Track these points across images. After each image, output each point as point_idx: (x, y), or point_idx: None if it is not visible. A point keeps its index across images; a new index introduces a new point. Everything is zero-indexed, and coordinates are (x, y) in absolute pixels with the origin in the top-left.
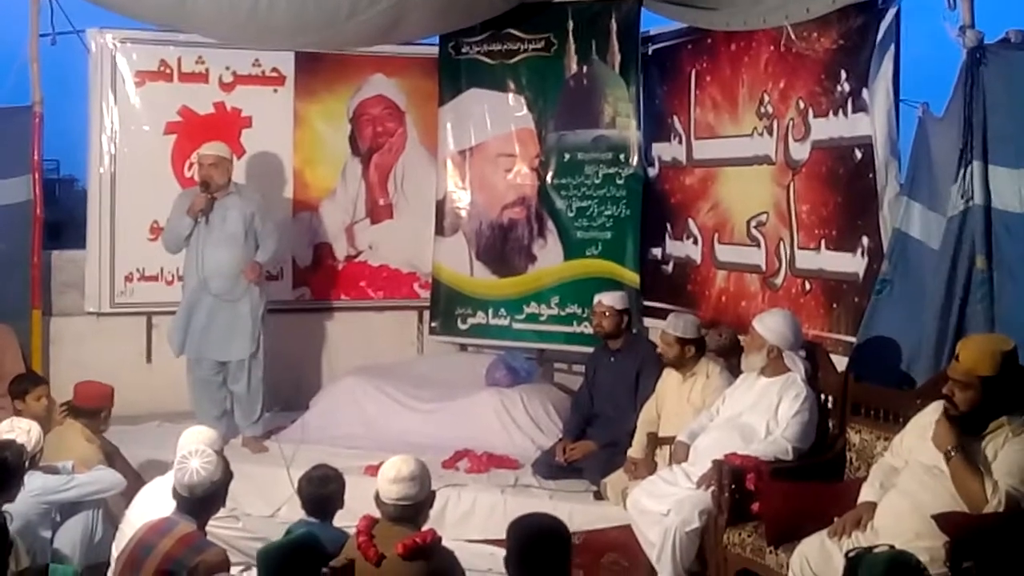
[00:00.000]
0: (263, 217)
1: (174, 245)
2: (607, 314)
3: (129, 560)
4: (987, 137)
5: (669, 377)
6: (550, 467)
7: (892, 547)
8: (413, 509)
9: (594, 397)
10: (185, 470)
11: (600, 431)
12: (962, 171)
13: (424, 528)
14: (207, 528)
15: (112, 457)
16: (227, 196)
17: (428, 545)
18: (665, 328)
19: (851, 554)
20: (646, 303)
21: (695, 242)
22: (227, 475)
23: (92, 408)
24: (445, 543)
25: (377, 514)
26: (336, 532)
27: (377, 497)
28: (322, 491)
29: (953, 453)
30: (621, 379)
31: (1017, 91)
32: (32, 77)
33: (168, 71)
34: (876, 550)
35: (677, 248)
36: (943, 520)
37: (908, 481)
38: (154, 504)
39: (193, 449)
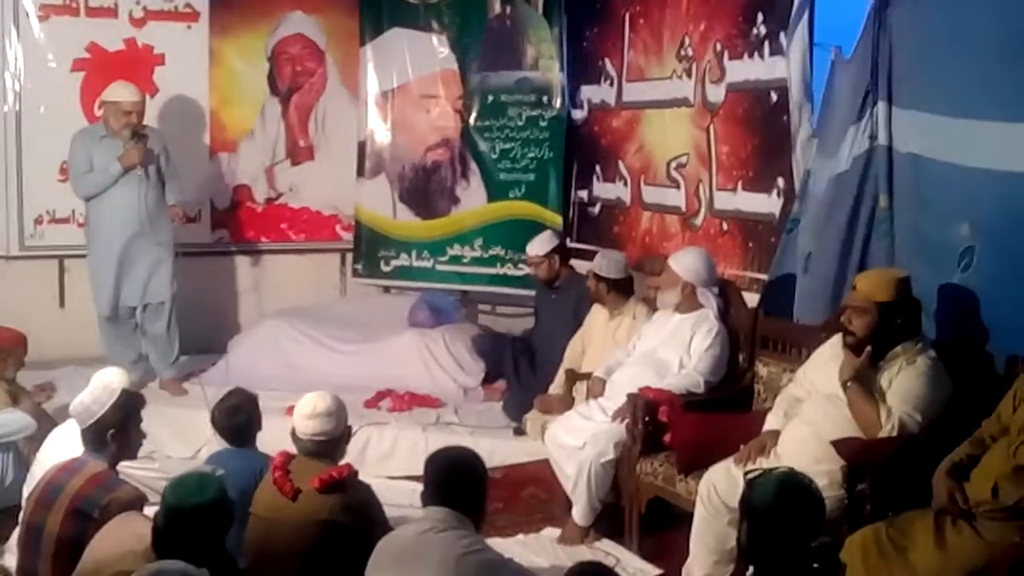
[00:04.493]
0: (167, 157)
1: (94, 192)
2: (538, 263)
3: (39, 500)
4: (892, 78)
5: (598, 314)
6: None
7: (789, 469)
8: (329, 444)
9: (539, 335)
10: (78, 405)
11: (542, 369)
12: (868, 111)
13: (349, 464)
14: (124, 470)
15: (19, 398)
16: (135, 139)
17: (344, 479)
18: (591, 266)
19: (749, 476)
20: (574, 245)
21: (625, 184)
22: (127, 410)
23: None
24: (367, 480)
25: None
26: (258, 458)
27: (293, 433)
28: (236, 419)
29: (851, 383)
30: (560, 316)
31: (921, 32)
32: None
33: (75, 5)
34: (772, 472)
35: (607, 190)
36: (840, 445)
37: (810, 410)
38: (65, 446)
39: (92, 386)
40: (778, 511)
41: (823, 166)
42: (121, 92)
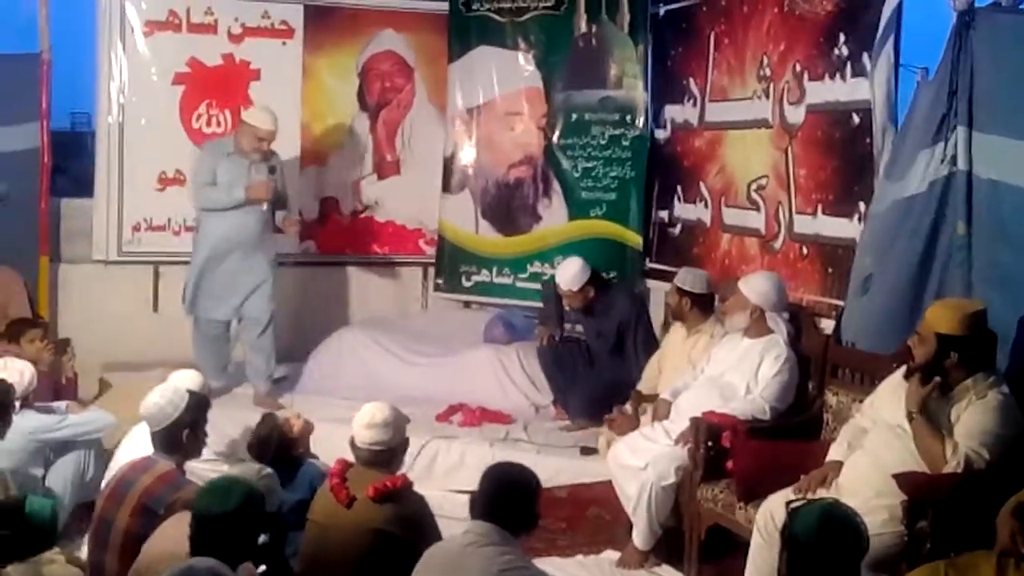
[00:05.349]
0: (283, 181)
1: (213, 208)
2: (572, 296)
3: (111, 495)
4: (972, 102)
5: (675, 333)
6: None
7: (834, 500)
8: (386, 454)
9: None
10: (147, 406)
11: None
12: (944, 135)
13: (405, 475)
14: (194, 470)
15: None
16: (260, 162)
17: (398, 489)
18: (675, 281)
19: (792, 505)
20: (653, 266)
21: (705, 205)
22: (193, 413)
23: None
24: (434, 493)
25: None
26: (312, 470)
27: (352, 442)
28: (267, 452)
29: (916, 414)
30: (604, 333)
31: (1004, 55)
32: (40, 24)
33: (177, 21)
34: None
35: (687, 211)
36: (902, 479)
37: (873, 441)
38: (143, 445)
39: (161, 387)
40: (819, 542)
41: (888, 188)
42: (261, 118)
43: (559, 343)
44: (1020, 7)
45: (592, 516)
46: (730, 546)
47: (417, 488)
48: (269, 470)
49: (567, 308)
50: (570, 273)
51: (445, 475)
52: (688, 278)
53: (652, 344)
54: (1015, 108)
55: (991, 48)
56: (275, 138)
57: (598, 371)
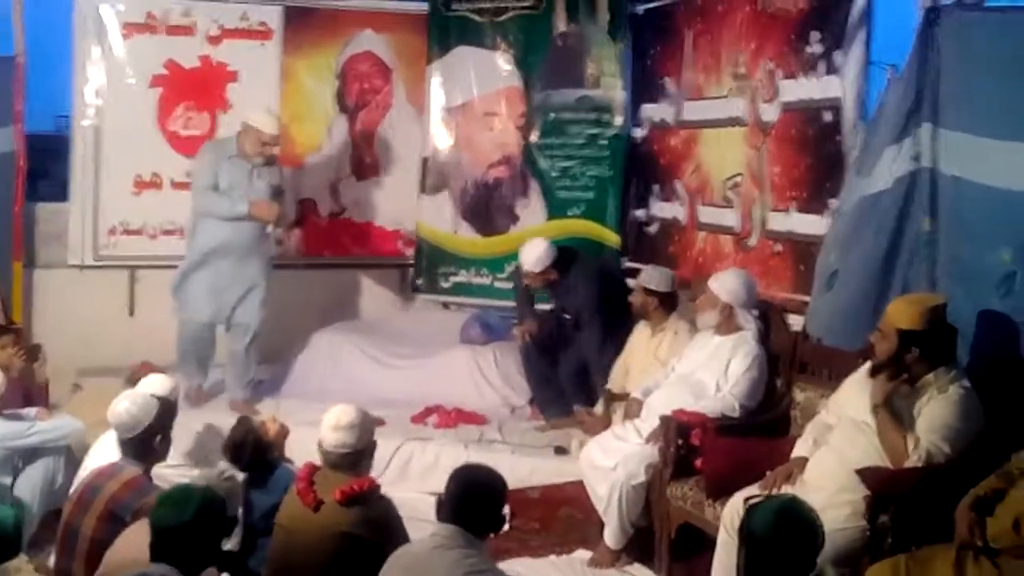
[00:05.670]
0: (282, 188)
1: (213, 215)
2: (534, 277)
3: (78, 502)
4: (938, 99)
5: (640, 332)
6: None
7: (791, 497)
8: (352, 456)
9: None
10: (114, 412)
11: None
12: (911, 132)
13: (372, 477)
14: (162, 474)
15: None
16: (262, 167)
17: (365, 492)
18: (639, 280)
19: (750, 502)
20: (630, 264)
21: (682, 203)
22: (160, 419)
23: None
24: (409, 494)
25: None
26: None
27: (319, 445)
28: (244, 460)
29: (880, 408)
30: (563, 312)
31: (968, 53)
32: (15, 27)
33: (154, 23)
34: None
35: (664, 210)
36: (865, 474)
37: (838, 437)
38: (112, 451)
39: (128, 393)
40: (775, 539)
41: (857, 185)
42: (265, 121)
43: (541, 337)
44: (984, 4)
45: (564, 516)
46: (701, 544)
47: (392, 490)
48: (231, 472)
49: (529, 287)
50: (533, 255)
51: (420, 477)
52: (653, 277)
53: (625, 319)
54: (978, 105)
55: (956, 45)
56: (279, 142)
57: (575, 353)
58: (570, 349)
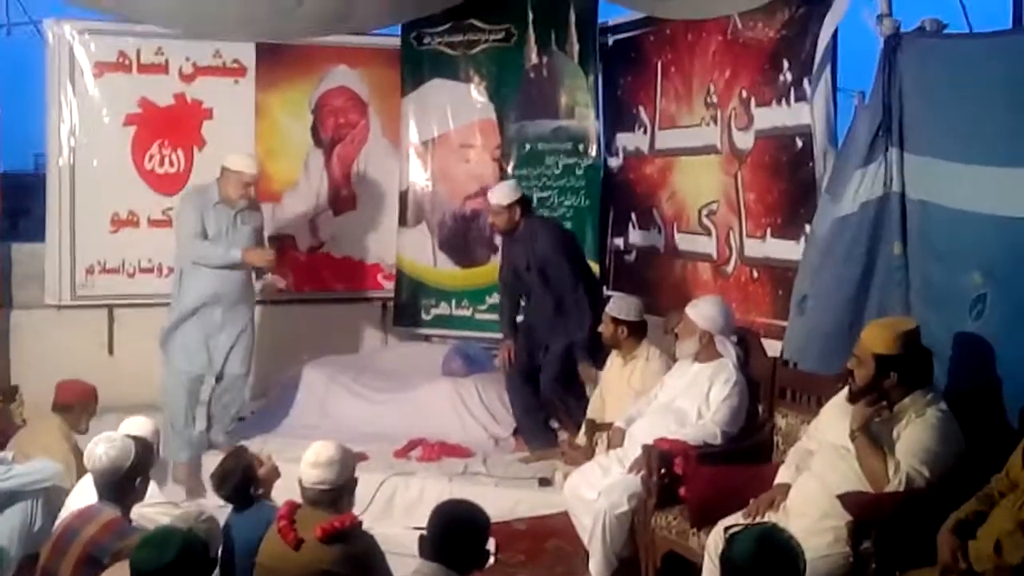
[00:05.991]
0: (262, 228)
1: (204, 264)
2: (498, 212)
3: (55, 546)
4: (903, 124)
5: (612, 363)
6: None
7: (772, 525)
8: (332, 493)
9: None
10: (91, 455)
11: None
12: (879, 156)
13: (353, 514)
14: (144, 514)
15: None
16: (245, 210)
17: (347, 529)
18: (608, 310)
19: (730, 531)
20: (610, 293)
21: (659, 231)
22: (138, 461)
23: (69, 404)
24: (394, 530)
25: None
26: (268, 511)
27: (300, 482)
28: (229, 488)
29: (859, 433)
30: (521, 259)
31: (930, 79)
32: None
33: (127, 62)
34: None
35: (642, 238)
36: (847, 499)
37: (819, 462)
38: (92, 493)
39: (105, 436)
40: (755, 567)
41: (828, 209)
42: (244, 163)
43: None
44: (944, 32)
45: (551, 548)
46: (686, 573)
47: (377, 525)
48: (208, 514)
49: (494, 227)
50: (501, 190)
51: (405, 512)
52: (622, 306)
53: (592, 281)
54: (941, 130)
55: (918, 72)
56: (258, 180)
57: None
58: (553, 335)
